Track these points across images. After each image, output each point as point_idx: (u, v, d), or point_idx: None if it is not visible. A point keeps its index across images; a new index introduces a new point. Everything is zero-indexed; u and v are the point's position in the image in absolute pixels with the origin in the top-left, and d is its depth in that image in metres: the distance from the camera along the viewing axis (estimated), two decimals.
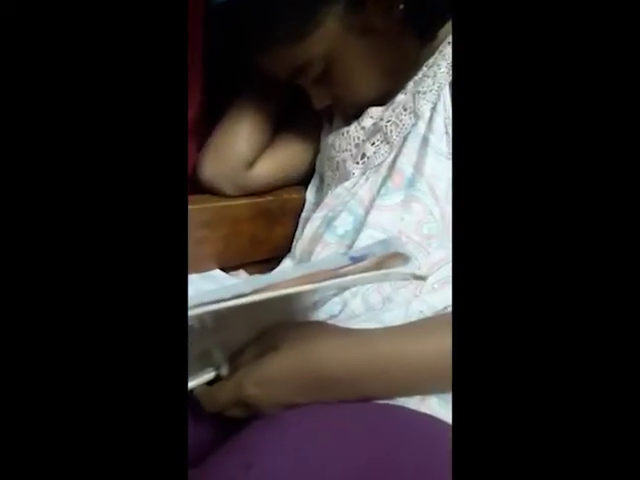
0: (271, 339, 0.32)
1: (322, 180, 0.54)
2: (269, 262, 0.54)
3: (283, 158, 0.53)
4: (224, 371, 0.33)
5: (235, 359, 0.33)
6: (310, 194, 0.55)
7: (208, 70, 0.48)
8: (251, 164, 0.51)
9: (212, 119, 0.51)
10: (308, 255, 0.44)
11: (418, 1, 0.38)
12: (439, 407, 0.31)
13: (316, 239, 0.44)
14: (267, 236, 0.55)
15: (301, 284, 0.25)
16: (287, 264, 0.48)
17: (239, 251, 0.53)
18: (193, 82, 0.48)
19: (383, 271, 0.27)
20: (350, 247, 0.40)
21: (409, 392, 0.31)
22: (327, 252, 0.42)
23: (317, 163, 0.55)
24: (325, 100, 0.47)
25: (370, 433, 0.27)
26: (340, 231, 0.42)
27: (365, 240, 0.39)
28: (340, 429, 0.27)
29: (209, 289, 0.32)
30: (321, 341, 0.31)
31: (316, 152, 0.55)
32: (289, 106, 0.54)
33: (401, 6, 0.39)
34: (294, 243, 0.51)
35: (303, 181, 0.57)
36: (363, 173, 0.45)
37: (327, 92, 0.46)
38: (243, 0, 0.39)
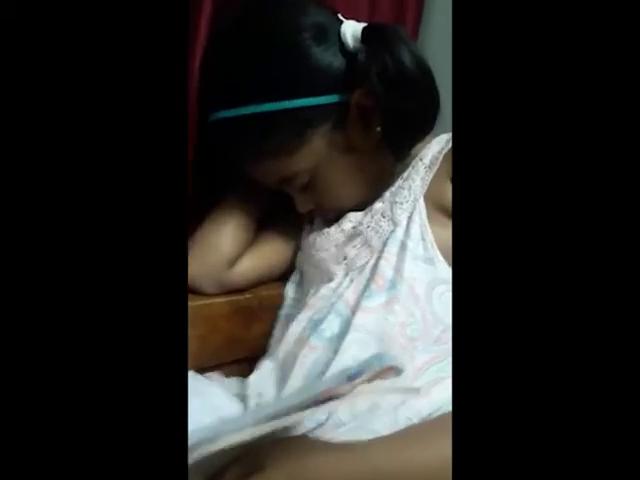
0: (255, 458, 0.30)
1: (302, 276, 0.55)
2: (246, 361, 0.52)
3: (265, 255, 0.54)
4: None
5: (222, 474, 0.30)
6: (290, 290, 0.55)
7: (195, 172, 0.51)
8: (234, 262, 0.51)
9: (196, 219, 0.52)
10: (293, 357, 0.43)
11: (392, 125, 0.43)
12: None
13: (302, 342, 0.44)
14: (244, 334, 0.54)
15: (304, 408, 0.25)
16: (267, 366, 0.46)
17: (215, 351, 0.52)
18: None
19: (378, 385, 0.27)
20: (336, 351, 0.40)
21: None
22: (314, 356, 0.41)
23: (297, 260, 0.56)
24: (308, 205, 0.50)
25: None
26: (327, 334, 0.42)
27: (351, 344, 0.40)
28: None
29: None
30: (312, 458, 0.29)
31: (296, 249, 0.57)
32: (272, 204, 0.56)
33: (378, 128, 0.44)
34: (272, 341, 0.51)
35: (283, 276, 0.58)
36: (346, 274, 0.46)
37: (311, 198, 0.49)
38: (239, 119, 0.43)
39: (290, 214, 0.54)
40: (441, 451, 0.28)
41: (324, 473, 0.29)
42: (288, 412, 0.26)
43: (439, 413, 0.35)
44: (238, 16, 0.45)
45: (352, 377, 0.26)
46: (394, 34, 0.41)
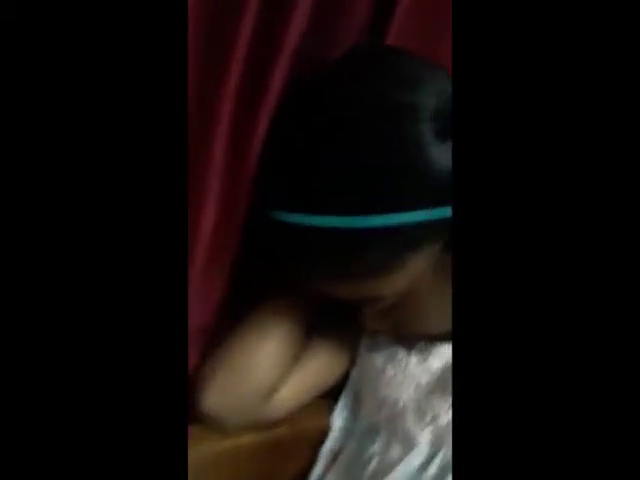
0: None
1: (356, 401, 0.42)
2: None
3: (311, 374, 0.41)
4: None
5: None
6: (338, 419, 0.42)
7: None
8: (273, 392, 0.38)
9: (227, 325, 0.39)
10: None
11: None
12: None
13: None
14: (278, 476, 0.41)
15: None
16: None
17: None
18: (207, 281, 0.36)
19: None
20: None
21: None
22: None
23: (351, 378, 0.43)
24: (383, 327, 0.37)
25: None
26: None
27: None
28: None
29: None
30: None
31: (351, 362, 0.43)
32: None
33: None
34: None
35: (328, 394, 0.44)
36: (436, 448, 0.33)
37: (390, 321, 0.36)
38: (314, 229, 0.29)
39: (344, 315, 0.41)
40: None
41: None
42: None
43: None
44: (329, 83, 0.30)
45: None
46: None
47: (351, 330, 0.42)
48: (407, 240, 0.29)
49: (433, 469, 0.32)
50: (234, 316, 0.39)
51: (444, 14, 0.35)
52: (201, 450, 0.36)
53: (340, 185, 0.28)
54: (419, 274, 0.31)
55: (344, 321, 0.42)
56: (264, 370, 0.37)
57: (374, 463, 0.35)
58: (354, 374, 0.43)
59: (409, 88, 0.29)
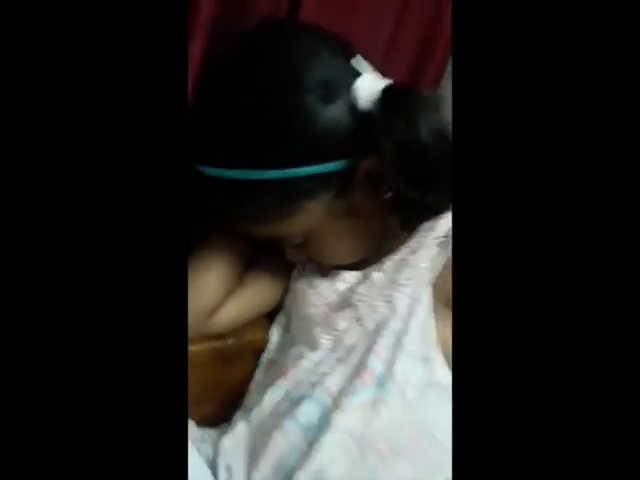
0: None
1: (288, 320, 0.52)
2: (223, 408, 0.51)
3: (251, 299, 0.50)
4: None
5: None
6: (275, 333, 0.52)
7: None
8: (215, 310, 0.47)
9: None
10: (266, 434, 0.40)
11: (405, 198, 0.37)
12: None
13: (277, 418, 0.41)
14: (224, 380, 0.51)
15: None
16: (241, 430, 0.44)
17: (193, 395, 0.49)
18: None
19: None
20: (311, 446, 0.38)
21: None
22: (287, 445, 0.39)
23: (286, 301, 0.52)
24: (299, 259, 0.46)
25: None
26: (303, 421, 0.40)
27: (329, 445, 0.37)
28: None
29: None
30: None
31: (286, 289, 0.52)
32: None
33: (388, 194, 0.38)
34: (251, 387, 0.49)
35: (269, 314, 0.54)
36: (332, 350, 0.43)
37: (303, 253, 0.44)
38: (224, 180, 0.37)
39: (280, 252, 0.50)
40: None
41: None
42: None
43: None
44: (235, 57, 0.37)
45: None
46: (417, 100, 0.34)
47: (285, 262, 0.51)
48: (300, 190, 0.37)
49: (335, 377, 0.41)
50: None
51: None
52: None
53: (243, 144, 0.36)
54: (316, 217, 0.39)
55: (278, 255, 0.51)
56: (207, 292, 0.46)
57: (290, 364, 0.45)
58: (287, 298, 0.52)
59: (298, 62, 0.35)
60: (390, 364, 0.38)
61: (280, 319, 0.53)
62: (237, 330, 0.51)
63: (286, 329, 0.52)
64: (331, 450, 0.37)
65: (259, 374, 0.51)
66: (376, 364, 0.39)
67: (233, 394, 0.51)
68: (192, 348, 0.48)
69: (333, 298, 0.45)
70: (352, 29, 0.46)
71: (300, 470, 0.37)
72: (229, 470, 0.41)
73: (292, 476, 0.37)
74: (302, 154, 0.35)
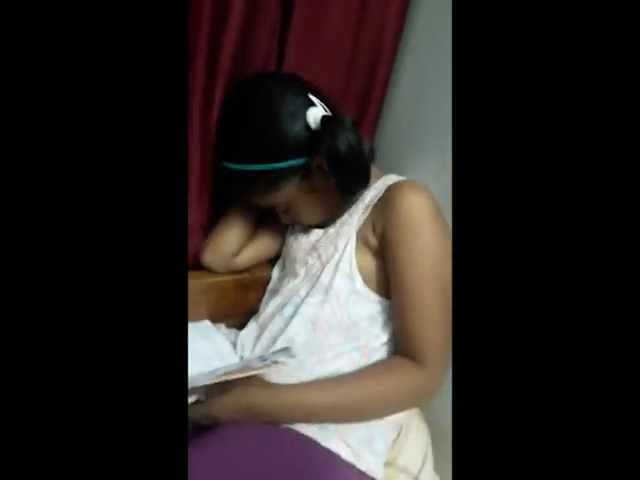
0: (228, 386, 0.57)
1: (284, 262, 0.79)
2: (242, 316, 0.79)
3: (260, 248, 0.79)
4: (202, 398, 0.58)
5: (209, 393, 0.58)
6: (275, 272, 0.80)
7: (214, 191, 0.74)
8: (237, 253, 0.76)
9: (214, 219, 0.76)
10: (265, 326, 0.69)
11: (339, 181, 0.63)
12: (316, 430, 0.56)
13: (272, 316, 0.69)
14: (243, 300, 0.80)
15: (242, 372, 0.52)
16: (252, 326, 0.73)
17: (223, 310, 0.79)
18: (202, 192, 0.73)
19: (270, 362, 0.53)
20: (287, 326, 0.65)
21: (298, 422, 0.56)
22: (275, 328, 0.67)
23: (283, 251, 0.80)
24: (287, 221, 0.73)
25: (267, 440, 0.53)
26: (285, 315, 0.67)
27: (295, 326, 0.64)
28: (251, 438, 0.52)
29: (196, 356, 0.58)
30: (254, 388, 0.56)
31: (282, 242, 0.80)
32: (266, 211, 0.79)
33: (332, 179, 0.64)
34: (260, 305, 0.77)
35: (273, 260, 0.82)
36: (305, 275, 0.70)
37: (289, 217, 0.71)
38: (236, 171, 0.64)
39: (278, 218, 0.77)
40: (319, 400, 0.54)
41: (256, 397, 0.55)
42: (243, 371, 0.52)
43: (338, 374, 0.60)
44: (239, 95, 0.64)
45: (264, 359, 0.51)
46: (339, 124, 0.59)
47: (282, 224, 0.79)
48: (279, 176, 0.63)
49: (303, 288, 0.69)
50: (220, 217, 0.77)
51: None
52: (201, 282, 0.75)
53: (246, 149, 0.63)
54: (291, 193, 0.65)
55: (277, 220, 0.78)
56: (231, 243, 0.75)
57: (282, 288, 0.73)
58: (284, 249, 0.80)
59: (276, 100, 0.61)
60: (331, 280, 0.65)
61: (279, 262, 0.81)
62: (251, 268, 0.80)
63: (282, 268, 0.80)
64: (297, 328, 0.64)
65: (265, 297, 0.79)
66: (325, 279, 0.65)
67: (249, 310, 0.79)
68: (222, 279, 0.77)
69: (308, 246, 0.71)
70: (318, 71, 0.72)
71: (280, 338, 0.65)
72: (242, 345, 0.70)
73: (276, 341, 0.65)
74: (280, 154, 0.62)
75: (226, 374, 0.52)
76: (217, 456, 0.50)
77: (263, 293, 0.80)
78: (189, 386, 0.51)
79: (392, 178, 0.68)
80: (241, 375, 0.52)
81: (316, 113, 0.61)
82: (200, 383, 0.52)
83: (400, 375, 0.58)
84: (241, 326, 0.78)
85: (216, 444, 0.52)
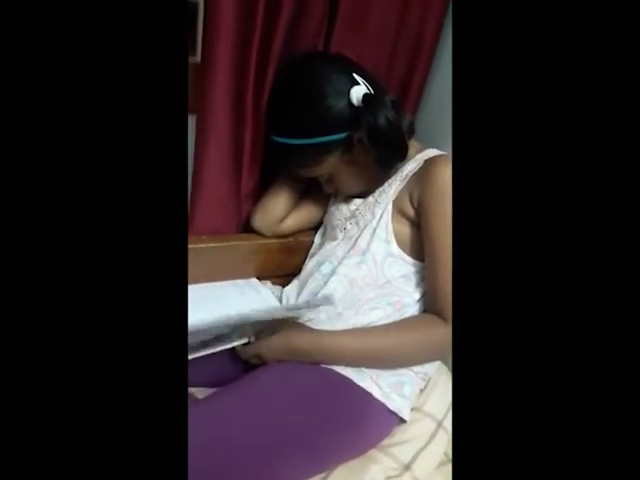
0: (275, 328, 0.66)
1: (325, 229, 0.87)
2: (286, 277, 0.88)
3: (303, 216, 0.86)
4: (252, 339, 0.68)
5: (258, 335, 0.67)
6: (317, 238, 0.88)
7: (263, 163, 0.82)
8: (283, 219, 0.84)
9: (263, 188, 0.85)
10: (305, 281, 0.77)
11: (379, 153, 0.69)
12: (352, 372, 0.64)
13: (311, 274, 0.77)
14: (287, 262, 0.89)
15: (287, 312, 0.60)
16: (294, 283, 0.81)
17: (269, 270, 0.88)
18: (253, 165, 0.81)
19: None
20: (326, 283, 0.73)
21: (333, 363, 0.64)
22: (315, 283, 0.75)
23: (324, 219, 0.88)
24: (330, 191, 0.80)
25: (311, 379, 0.61)
26: (323, 272, 0.75)
27: (334, 282, 0.72)
28: (296, 375, 0.62)
29: (247, 304, 0.67)
30: (296, 332, 0.65)
31: (325, 211, 0.88)
32: (311, 182, 0.86)
33: (372, 153, 0.70)
34: (302, 267, 0.85)
35: (316, 227, 0.90)
36: (343, 239, 0.77)
37: (331, 187, 0.78)
38: (285, 144, 0.71)
39: (321, 188, 0.85)
40: (354, 345, 0.62)
41: (299, 340, 0.64)
42: (290, 310, 0.61)
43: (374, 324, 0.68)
44: (291, 74, 0.70)
45: (309, 304, 0.60)
46: (379, 102, 0.65)
47: (324, 194, 0.86)
48: (323, 149, 0.70)
49: (341, 250, 0.76)
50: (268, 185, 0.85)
51: None
52: (250, 243, 0.84)
53: (295, 124, 0.70)
54: (334, 164, 0.72)
55: (320, 190, 0.85)
56: (278, 209, 0.82)
57: (322, 250, 0.81)
58: (325, 217, 0.87)
59: (323, 78, 0.68)
60: (369, 244, 0.72)
61: (321, 229, 0.88)
62: (295, 234, 0.88)
63: (323, 235, 0.87)
64: (335, 284, 0.72)
65: (307, 260, 0.87)
66: (362, 243, 0.73)
67: (292, 271, 0.88)
68: (269, 241, 0.86)
69: (348, 214, 0.79)
70: (364, 53, 0.77)
71: (320, 293, 0.73)
72: (287, 298, 0.79)
73: (316, 296, 0.73)
74: (324, 129, 0.68)
75: (276, 311, 0.60)
76: (267, 386, 0.60)
77: (305, 257, 0.88)
78: (244, 322, 0.60)
79: (431, 152, 0.73)
80: (289, 314, 0.60)
81: (359, 91, 0.67)
82: (254, 318, 0.60)
83: (426, 329, 0.65)
84: (285, 285, 0.87)
85: (268, 378, 0.61)
